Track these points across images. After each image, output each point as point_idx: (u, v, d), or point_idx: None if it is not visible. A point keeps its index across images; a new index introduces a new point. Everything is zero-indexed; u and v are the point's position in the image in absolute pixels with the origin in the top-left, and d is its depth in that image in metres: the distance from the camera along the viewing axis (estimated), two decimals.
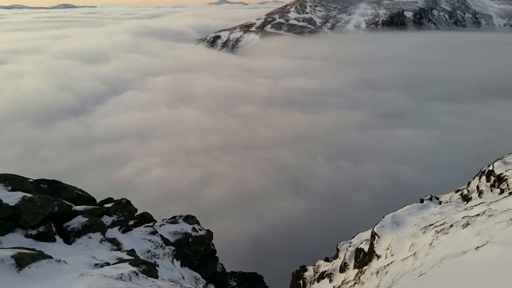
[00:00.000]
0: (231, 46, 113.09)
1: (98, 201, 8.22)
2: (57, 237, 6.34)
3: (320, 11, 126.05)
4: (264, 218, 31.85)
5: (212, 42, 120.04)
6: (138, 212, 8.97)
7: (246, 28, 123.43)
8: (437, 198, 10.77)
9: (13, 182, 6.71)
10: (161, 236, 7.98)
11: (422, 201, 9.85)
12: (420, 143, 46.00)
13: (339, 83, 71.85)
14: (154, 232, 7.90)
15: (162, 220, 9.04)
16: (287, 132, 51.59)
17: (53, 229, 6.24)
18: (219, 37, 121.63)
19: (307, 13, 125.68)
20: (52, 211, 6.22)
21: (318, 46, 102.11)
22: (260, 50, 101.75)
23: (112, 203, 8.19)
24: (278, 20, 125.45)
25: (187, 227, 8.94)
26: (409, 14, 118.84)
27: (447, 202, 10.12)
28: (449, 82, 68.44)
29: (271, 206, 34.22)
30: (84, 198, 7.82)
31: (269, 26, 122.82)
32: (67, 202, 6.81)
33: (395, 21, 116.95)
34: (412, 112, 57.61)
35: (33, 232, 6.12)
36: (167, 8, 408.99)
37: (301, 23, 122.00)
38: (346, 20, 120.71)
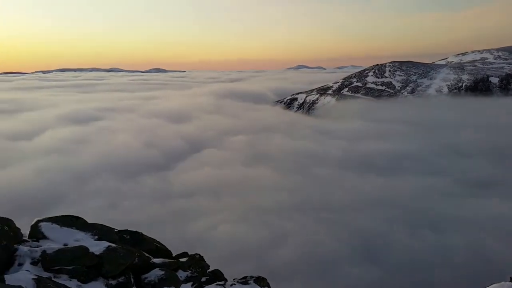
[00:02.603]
0: (307, 108, 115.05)
1: (173, 254, 8.50)
2: None
3: (399, 75, 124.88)
4: (335, 285, 30.16)
5: (289, 104, 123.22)
6: (210, 269, 9.07)
7: (322, 91, 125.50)
8: None
9: (100, 231, 7.22)
10: None
11: None
12: (509, 214, 41.66)
13: (420, 147, 68.78)
14: None
15: (233, 279, 9.01)
16: (362, 195, 49.66)
17: (132, 280, 6.52)
18: (295, 99, 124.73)
19: (386, 77, 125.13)
20: (132, 262, 6.54)
21: (397, 109, 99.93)
22: (336, 112, 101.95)
23: (187, 258, 8.39)
24: (355, 83, 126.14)
25: None
26: (494, 80, 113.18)
27: None
28: None
29: (343, 272, 32.41)
30: (161, 250, 8.12)
31: (346, 89, 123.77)
32: (146, 254, 7.12)
33: (480, 87, 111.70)
34: (500, 181, 52.75)
35: (113, 282, 6.43)
36: (249, 72, 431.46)
37: (379, 87, 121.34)
38: (427, 85, 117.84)
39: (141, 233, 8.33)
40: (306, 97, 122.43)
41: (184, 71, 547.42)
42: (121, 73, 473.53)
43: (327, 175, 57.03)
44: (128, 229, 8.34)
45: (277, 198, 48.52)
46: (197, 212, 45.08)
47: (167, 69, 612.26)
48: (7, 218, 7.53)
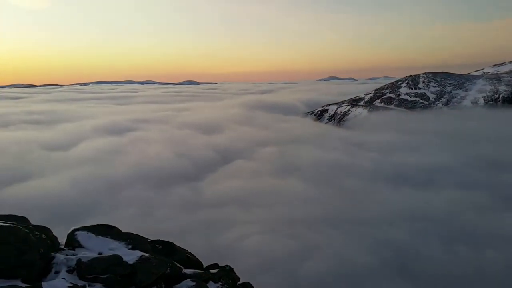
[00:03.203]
0: (338, 119, 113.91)
1: (204, 265, 8.55)
2: None
3: (434, 86, 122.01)
4: None
5: (319, 115, 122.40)
6: (240, 281, 9.06)
7: (354, 102, 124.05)
8: None
9: (133, 241, 7.36)
10: None
11: None
12: None
13: (455, 160, 66.62)
14: None
15: None
16: (394, 208, 48.43)
17: None
18: (326, 110, 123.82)
19: (419, 88, 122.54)
20: (165, 272, 6.63)
21: (431, 121, 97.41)
22: (368, 124, 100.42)
23: (217, 269, 8.44)
24: (388, 95, 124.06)
25: None
26: None
27: None
28: None
29: (374, 287, 31.59)
30: (192, 261, 8.19)
31: (378, 100, 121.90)
32: (178, 265, 7.21)
33: None
34: None
35: None
36: (279, 84, 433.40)
37: (413, 98, 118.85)
38: (462, 96, 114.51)
39: (173, 243, 8.45)
40: (337, 108, 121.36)
41: (216, 83, 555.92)
42: (155, 85, 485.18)
43: (358, 187, 56.05)
44: (160, 239, 8.47)
45: (307, 210, 48.02)
46: (227, 223, 45.16)
47: (199, 81, 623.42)
48: (45, 227, 7.81)
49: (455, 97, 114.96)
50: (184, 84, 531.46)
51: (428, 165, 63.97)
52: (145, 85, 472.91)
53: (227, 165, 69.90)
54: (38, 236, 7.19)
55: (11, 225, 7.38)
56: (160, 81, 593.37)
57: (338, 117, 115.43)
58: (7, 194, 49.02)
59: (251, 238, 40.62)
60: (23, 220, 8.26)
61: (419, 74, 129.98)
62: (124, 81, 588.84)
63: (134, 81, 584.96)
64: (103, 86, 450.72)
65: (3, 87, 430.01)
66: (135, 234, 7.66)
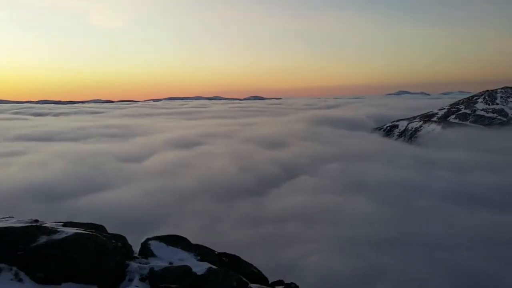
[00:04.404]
0: (409, 135, 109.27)
1: (269, 281, 8.52)
2: None
3: None
4: None
5: (389, 131, 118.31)
6: None
7: (426, 117, 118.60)
8: None
9: (202, 252, 7.54)
10: None
11: None
12: None
13: None
14: None
15: None
16: (471, 232, 45.06)
17: None
18: (396, 126, 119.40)
19: (497, 104, 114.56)
20: (231, 285, 6.70)
21: (510, 139, 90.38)
22: (442, 141, 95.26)
23: (283, 286, 8.37)
24: (463, 110, 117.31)
25: None
26: None
27: None
28: None
29: None
30: (258, 276, 8.20)
31: (452, 116, 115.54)
32: (244, 279, 7.25)
33: None
34: None
35: None
36: (345, 99, 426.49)
37: (490, 114, 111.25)
38: None
39: (239, 257, 8.52)
40: (408, 124, 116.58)
41: (281, 98, 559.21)
42: (222, 101, 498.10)
43: (430, 208, 53.06)
44: (227, 252, 8.58)
45: (373, 229, 46.23)
46: (290, 239, 44.73)
47: (264, 96, 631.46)
48: (121, 235, 8.24)
49: None
50: (250, 100, 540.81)
51: (509, 187, 59.09)
52: (213, 101, 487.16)
53: (290, 180, 69.54)
54: (114, 244, 7.60)
55: (90, 233, 7.89)
56: (227, 97, 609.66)
57: (409, 133, 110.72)
58: (84, 202, 52.59)
59: (315, 256, 39.83)
60: (101, 228, 8.80)
61: (497, 89, 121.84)
62: (193, 96, 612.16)
63: (203, 97, 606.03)
64: (174, 102, 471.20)
65: (83, 102, 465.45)
66: (203, 245, 7.85)
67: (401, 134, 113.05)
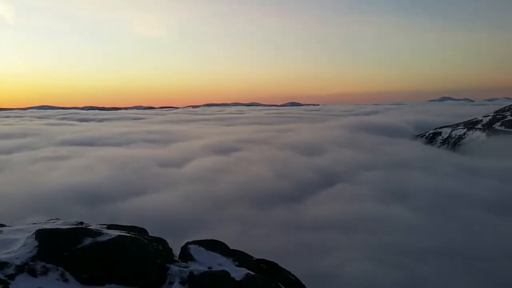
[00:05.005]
0: (453, 143, 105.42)
1: None
2: None
3: None
4: None
5: (431, 138, 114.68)
6: None
7: (471, 125, 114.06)
8: None
9: (240, 258, 7.61)
10: None
11: None
12: None
13: None
14: None
15: None
16: None
17: None
18: (439, 133, 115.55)
19: None
20: None
21: None
22: (487, 149, 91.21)
23: None
24: (509, 117, 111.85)
25: None
26: None
27: None
28: None
29: None
30: (296, 284, 8.17)
31: (498, 123, 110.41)
32: (282, 286, 7.26)
33: None
34: None
35: None
36: (385, 105, 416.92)
37: None
38: None
39: (277, 263, 8.52)
40: (452, 131, 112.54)
41: (318, 104, 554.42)
42: (259, 107, 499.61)
43: (473, 218, 50.89)
44: (265, 259, 8.61)
45: (414, 239, 44.85)
46: (327, 247, 44.10)
47: (301, 102, 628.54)
48: (162, 239, 8.47)
49: None
50: (287, 106, 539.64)
51: None
52: (250, 107, 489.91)
53: (328, 188, 68.69)
54: (156, 247, 7.83)
55: (133, 236, 8.17)
56: (264, 103, 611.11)
57: (453, 140, 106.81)
58: (126, 205, 54.22)
59: (353, 264, 39.06)
60: (143, 231, 9.08)
61: None
62: (231, 103, 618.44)
63: (241, 103, 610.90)
64: (212, 108, 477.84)
65: (126, 108, 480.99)
66: (241, 251, 7.93)
67: (444, 141, 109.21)
